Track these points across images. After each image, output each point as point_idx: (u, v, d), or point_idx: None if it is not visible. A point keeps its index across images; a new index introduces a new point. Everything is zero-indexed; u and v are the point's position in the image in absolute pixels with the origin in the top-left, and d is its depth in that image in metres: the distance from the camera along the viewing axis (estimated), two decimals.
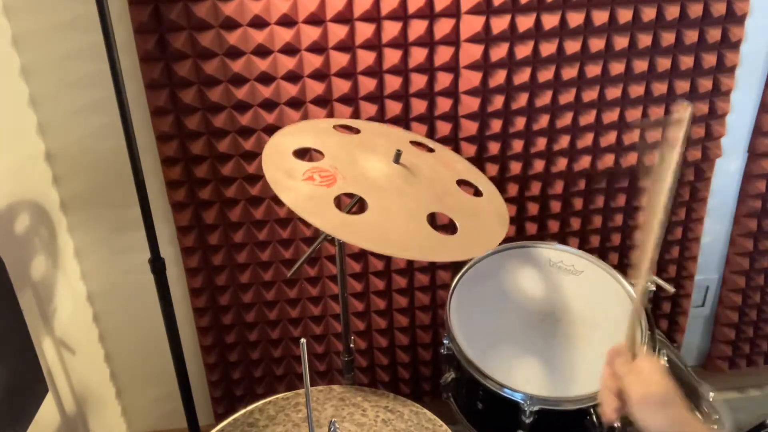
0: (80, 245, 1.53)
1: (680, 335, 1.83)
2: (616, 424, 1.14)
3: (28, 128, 1.36)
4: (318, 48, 1.35)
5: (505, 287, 1.33)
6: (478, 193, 1.20)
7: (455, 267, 1.37)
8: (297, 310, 1.64)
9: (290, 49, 1.35)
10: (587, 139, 1.53)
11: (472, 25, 1.37)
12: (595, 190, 1.60)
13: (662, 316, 1.80)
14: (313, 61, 1.36)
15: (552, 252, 1.41)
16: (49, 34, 1.30)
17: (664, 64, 1.46)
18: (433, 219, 1.05)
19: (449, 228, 1.07)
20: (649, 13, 1.40)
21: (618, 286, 1.32)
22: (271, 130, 1.41)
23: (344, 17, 1.33)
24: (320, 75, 1.38)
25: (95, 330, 1.64)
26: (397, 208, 1.04)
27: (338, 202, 1.01)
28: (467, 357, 1.18)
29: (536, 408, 1.11)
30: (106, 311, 1.63)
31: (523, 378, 1.14)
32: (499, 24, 1.37)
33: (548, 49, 1.41)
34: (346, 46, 1.36)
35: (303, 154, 1.09)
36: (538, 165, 1.54)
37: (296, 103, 1.41)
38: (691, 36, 1.44)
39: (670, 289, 1.31)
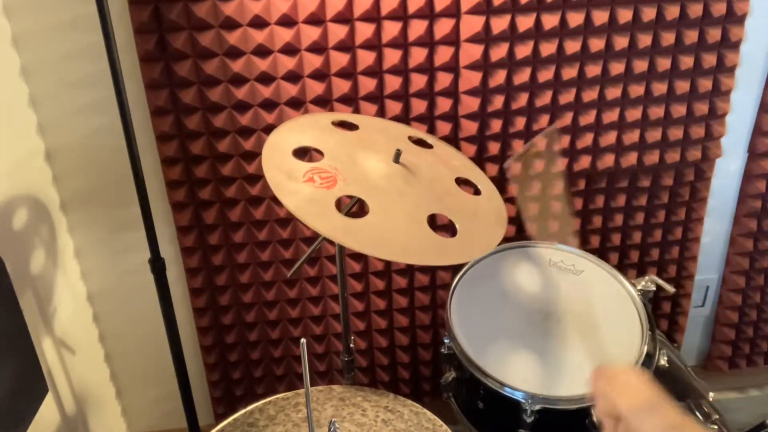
0: (80, 245, 1.53)
1: (680, 335, 1.83)
2: None
3: (28, 128, 1.36)
4: (318, 48, 1.35)
5: (506, 287, 1.33)
6: (477, 191, 1.20)
7: (455, 267, 1.37)
8: (297, 310, 1.64)
9: (290, 49, 1.35)
10: (587, 139, 1.53)
11: (472, 25, 1.37)
12: (595, 190, 1.60)
13: (662, 316, 1.80)
14: (313, 61, 1.36)
15: (552, 252, 1.41)
16: (49, 34, 1.30)
17: (664, 64, 1.47)
18: (433, 219, 1.05)
19: (449, 228, 1.07)
20: (649, 13, 1.40)
21: (618, 286, 1.32)
22: (271, 130, 1.41)
23: (344, 17, 1.33)
24: (320, 75, 1.38)
25: (95, 330, 1.64)
26: (397, 211, 1.03)
27: (338, 202, 1.01)
28: (468, 356, 1.18)
29: (537, 407, 1.11)
30: (106, 311, 1.63)
31: (523, 377, 1.14)
32: (499, 24, 1.37)
33: (548, 49, 1.41)
34: (346, 46, 1.36)
35: (303, 153, 1.09)
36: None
37: (296, 103, 1.41)
38: (691, 36, 1.44)
39: (670, 289, 1.31)
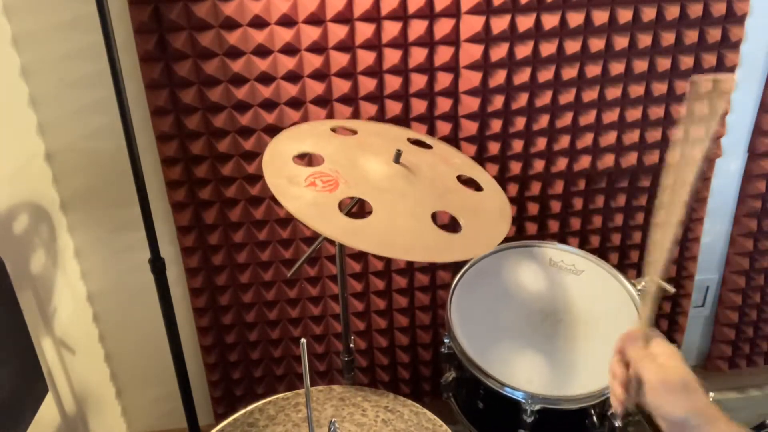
0: (80, 245, 1.53)
1: (680, 335, 1.83)
2: (617, 424, 1.14)
3: (28, 128, 1.36)
4: (318, 48, 1.35)
5: (506, 286, 1.33)
6: (478, 188, 1.20)
7: (456, 267, 1.37)
8: (297, 310, 1.64)
9: (290, 49, 1.35)
10: (587, 139, 1.53)
11: (472, 25, 1.37)
12: (595, 190, 1.60)
13: (662, 316, 1.80)
14: (313, 61, 1.36)
15: (552, 251, 1.41)
16: (49, 34, 1.30)
17: (664, 64, 1.47)
18: (434, 219, 1.05)
19: (450, 227, 1.07)
20: (649, 13, 1.40)
21: (618, 286, 1.32)
22: (271, 130, 1.42)
23: (344, 17, 1.33)
24: (320, 75, 1.38)
25: (95, 330, 1.64)
26: (400, 210, 1.04)
27: (340, 204, 1.01)
28: (468, 356, 1.18)
29: (537, 407, 1.11)
30: (106, 311, 1.63)
31: (524, 377, 1.14)
32: (499, 24, 1.37)
33: (548, 49, 1.41)
34: (346, 46, 1.36)
35: (303, 158, 1.09)
36: (538, 165, 1.54)
37: (296, 103, 1.41)
38: (691, 36, 1.44)
39: (670, 289, 1.30)
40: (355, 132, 1.24)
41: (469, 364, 1.18)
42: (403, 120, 1.45)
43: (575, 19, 1.38)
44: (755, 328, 1.85)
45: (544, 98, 1.46)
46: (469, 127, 1.47)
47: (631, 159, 1.56)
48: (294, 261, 1.57)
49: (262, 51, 1.34)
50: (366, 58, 1.38)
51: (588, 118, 1.50)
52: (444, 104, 1.45)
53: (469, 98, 1.44)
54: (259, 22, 1.31)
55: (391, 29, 1.35)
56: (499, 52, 1.40)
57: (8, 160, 1.28)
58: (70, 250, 1.51)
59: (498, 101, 1.45)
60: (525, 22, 1.37)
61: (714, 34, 1.45)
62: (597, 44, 1.42)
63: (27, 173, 1.36)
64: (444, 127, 1.47)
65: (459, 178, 1.18)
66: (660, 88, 1.49)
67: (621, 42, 1.42)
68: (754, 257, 1.75)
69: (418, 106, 1.44)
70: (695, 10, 1.41)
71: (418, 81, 1.41)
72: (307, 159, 1.21)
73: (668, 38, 1.44)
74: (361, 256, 1.59)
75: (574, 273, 1.36)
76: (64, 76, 1.35)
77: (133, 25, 1.28)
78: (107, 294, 1.61)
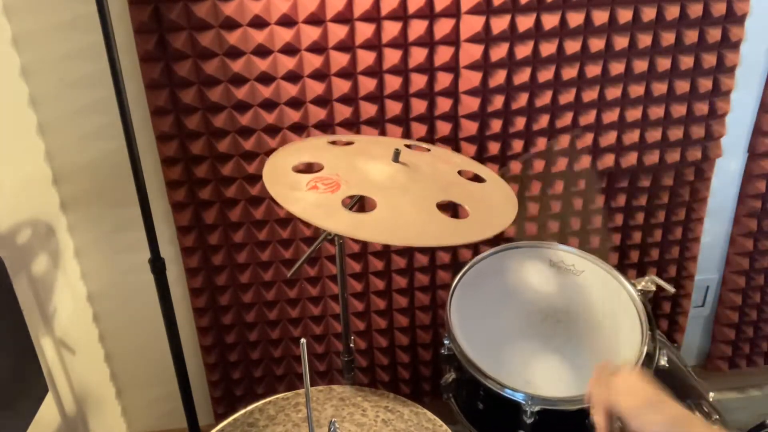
0: (80, 245, 1.53)
1: (680, 335, 1.83)
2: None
3: (28, 128, 1.36)
4: (318, 48, 1.35)
5: (506, 287, 1.33)
6: (480, 180, 1.20)
7: (455, 267, 1.37)
8: (297, 310, 1.64)
9: (290, 49, 1.35)
10: (587, 139, 1.53)
11: (472, 25, 1.37)
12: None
13: (662, 316, 1.80)
14: (313, 61, 1.36)
15: (552, 252, 1.40)
16: (49, 34, 1.30)
17: (664, 64, 1.47)
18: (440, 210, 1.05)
19: (458, 215, 1.07)
20: (649, 13, 1.40)
21: (618, 286, 1.32)
22: (271, 130, 1.42)
23: (344, 17, 1.33)
24: (320, 75, 1.38)
25: (95, 330, 1.64)
26: (405, 203, 1.05)
27: (342, 202, 1.01)
28: (468, 357, 1.18)
29: (537, 408, 1.11)
30: (106, 311, 1.63)
31: (523, 378, 1.14)
32: (499, 24, 1.37)
33: (548, 49, 1.41)
34: (346, 46, 1.36)
35: (302, 169, 1.11)
36: (538, 165, 1.54)
37: (296, 103, 1.41)
38: (691, 36, 1.44)
39: (670, 289, 1.31)
40: (351, 143, 1.25)
41: (469, 365, 1.17)
42: (403, 120, 1.45)
43: (575, 19, 1.38)
44: (755, 328, 1.85)
45: (544, 98, 1.46)
46: (469, 127, 1.47)
47: (631, 159, 1.56)
48: (294, 261, 1.57)
49: (262, 51, 1.34)
50: (366, 58, 1.38)
51: (588, 118, 1.50)
52: (444, 104, 1.45)
53: (469, 98, 1.44)
54: (259, 22, 1.31)
55: (391, 29, 1.35)
56: (499, 52, 1.40)
57: (8, 160, 1.27)
58: (70, 250, 1.51)
59: (498, 101, 1.45)
60: (525, 22, 1.37)
61: (714, 34, 1.45)
62: (597, 44, 1.42)
63: (27, 173, 1.36)
64: (444, 127, 1.47)
65: (460, 173, 1.18)
66: (660, 88, 1.49)
67: (621, 42, 1.42)
68: (754, 257, 1.75)
69: (418, 106, 1.44)
70: (695, 10, 1.41)
71: (418, 81, 1.41)
72: (306, 168, 1.22)
73: (668, 38, 1.44)
74: (361, 256, 1.60)
75: (574, 273, 1.36)
76: (64, 76, 1.35)
77: (133, 25, 1.28)
78: (107, 294, 1.61)
